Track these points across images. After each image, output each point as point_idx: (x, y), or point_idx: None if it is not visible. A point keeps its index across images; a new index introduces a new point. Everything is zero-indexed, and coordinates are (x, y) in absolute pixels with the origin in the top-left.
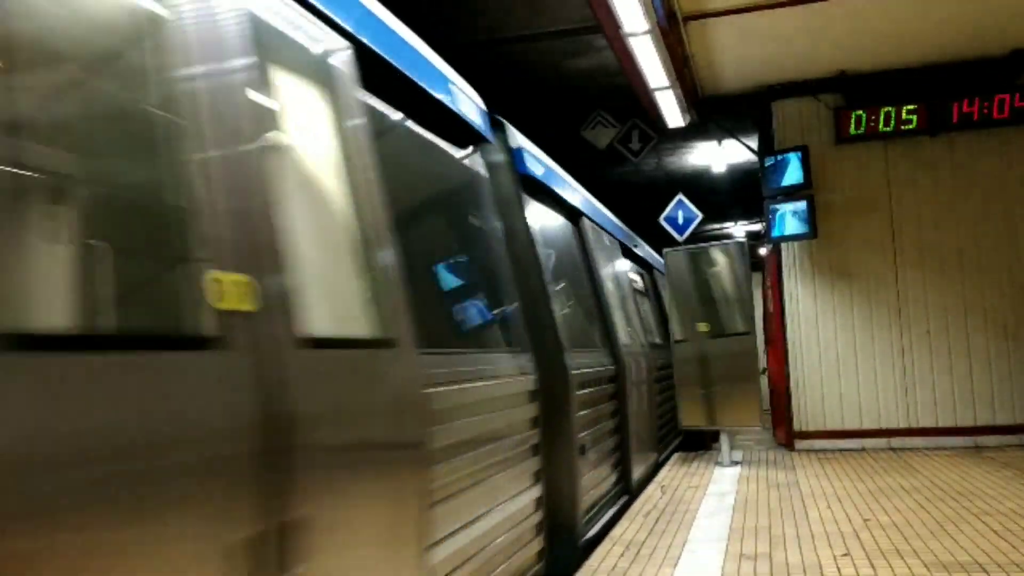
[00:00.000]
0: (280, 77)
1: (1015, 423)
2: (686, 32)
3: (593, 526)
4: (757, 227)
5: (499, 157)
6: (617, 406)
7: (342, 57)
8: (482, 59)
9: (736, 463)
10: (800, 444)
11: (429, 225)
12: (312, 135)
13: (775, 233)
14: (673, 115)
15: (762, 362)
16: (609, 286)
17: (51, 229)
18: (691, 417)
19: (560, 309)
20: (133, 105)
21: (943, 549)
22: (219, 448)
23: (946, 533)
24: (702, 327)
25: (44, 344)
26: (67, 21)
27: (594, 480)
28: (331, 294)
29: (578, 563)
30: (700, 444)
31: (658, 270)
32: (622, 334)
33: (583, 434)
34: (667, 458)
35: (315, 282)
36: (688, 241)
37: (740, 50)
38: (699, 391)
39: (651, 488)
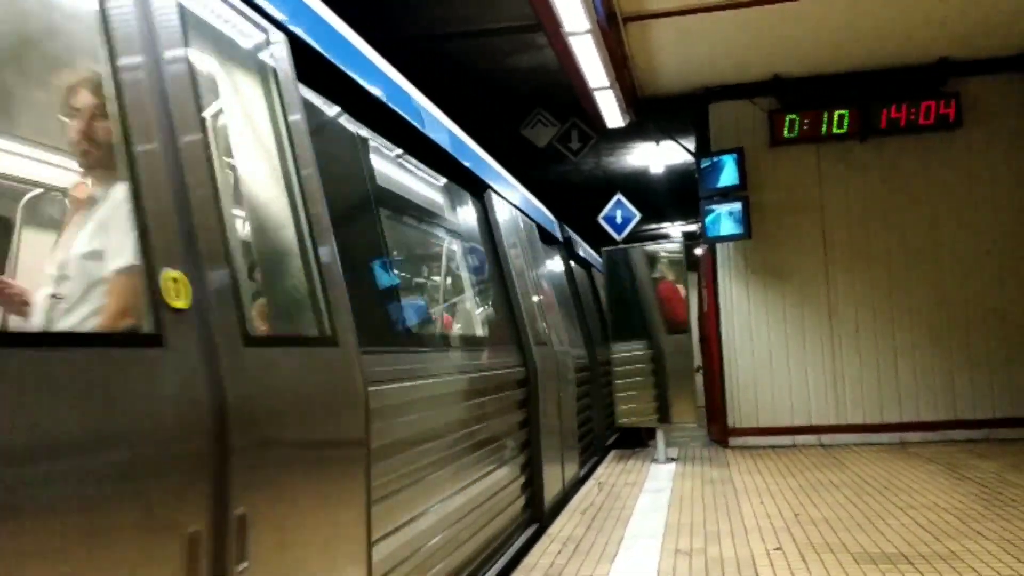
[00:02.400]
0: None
1: (939, 420)
2: (626, 33)
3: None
4: (694, 227)
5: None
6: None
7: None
8: (422, 54)
9: (672, 460)
10: (734, 441)
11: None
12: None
13: (710, 233)
14: (612, 115)
15: (697, 360)
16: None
17: None
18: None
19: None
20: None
21: (870, 542)
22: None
23: (873, 526)
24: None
25: None
26: None
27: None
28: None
29: None
30: (637, 441)
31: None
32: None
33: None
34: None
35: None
36: (627, 241)
37: (678, 52)
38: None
39: (588, 485)
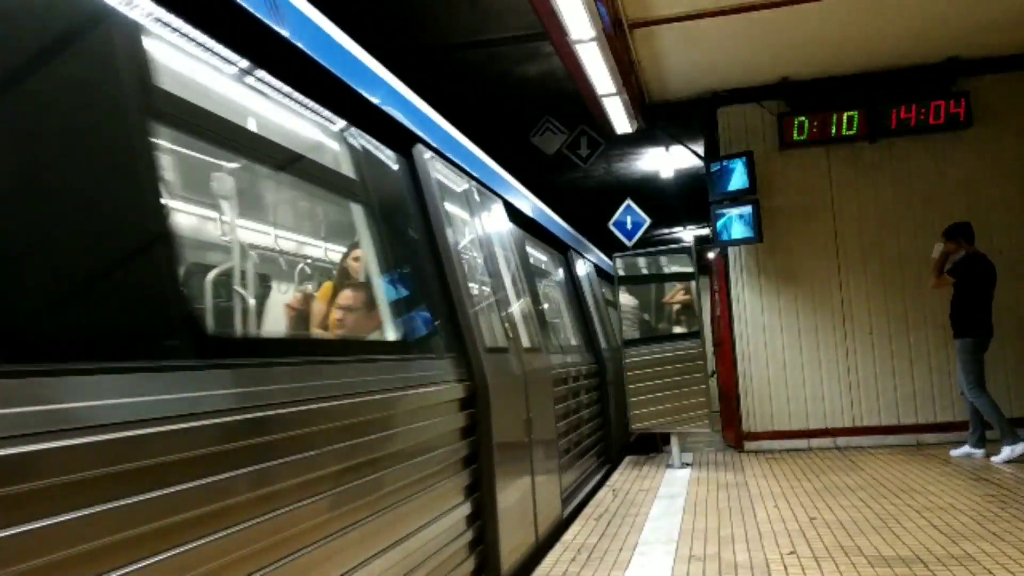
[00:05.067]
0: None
1: (955, 420)
2: (632, 39)
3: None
4: (706, 231)
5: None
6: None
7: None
8: (430, 65)
9: (686, 465)
10: (749, 445)
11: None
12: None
13: (722, 237)
14: (621, 121)
15: (711, 365)
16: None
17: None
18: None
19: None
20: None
21: (885, 544)
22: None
23: (888, 529)
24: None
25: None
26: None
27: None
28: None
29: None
30: (651, 447)
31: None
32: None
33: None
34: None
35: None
36: (638, 246)
37: (685, 57)
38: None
39: (603, 492)
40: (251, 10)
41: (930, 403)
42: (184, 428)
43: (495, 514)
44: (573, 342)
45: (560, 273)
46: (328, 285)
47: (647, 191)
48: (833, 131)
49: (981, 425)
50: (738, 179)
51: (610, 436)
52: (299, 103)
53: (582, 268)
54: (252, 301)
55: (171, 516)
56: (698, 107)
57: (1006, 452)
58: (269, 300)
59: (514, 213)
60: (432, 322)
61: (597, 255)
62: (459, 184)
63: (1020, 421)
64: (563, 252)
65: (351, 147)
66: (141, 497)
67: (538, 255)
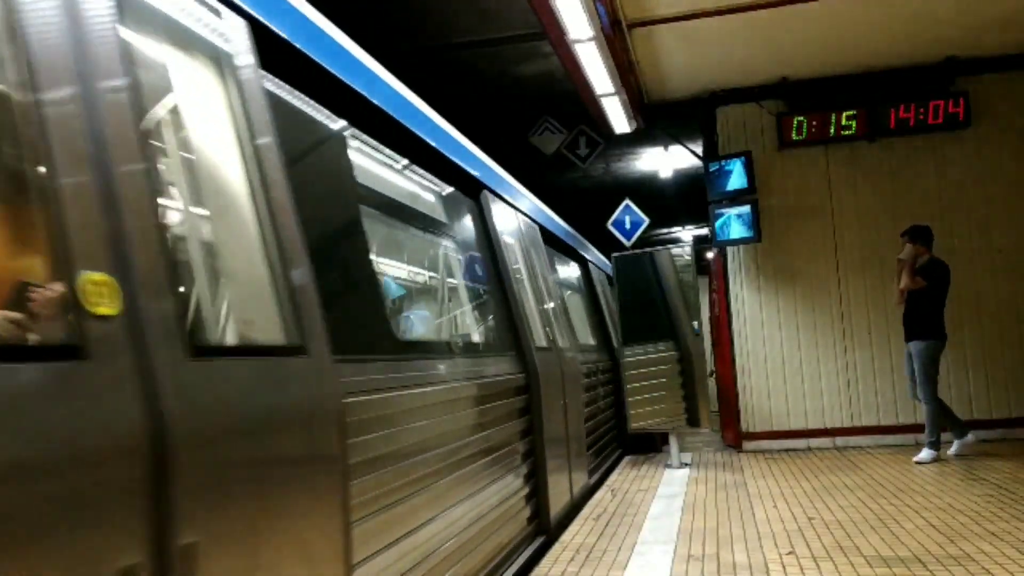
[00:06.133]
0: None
1: None
2: (631, 39)
3: None
4: (705, 231)
5: None
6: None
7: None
8: (428, 65)
9: (685, 465)
10: (748, 445)
11: None
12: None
13: (720, 237)
14: (619, 121)
15: (710, 364)
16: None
17: None
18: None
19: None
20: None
21: (884, 544)
22: None
23: (887, 529)
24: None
25: None
26: None
27: None
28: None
29: None
30: (650, 447)
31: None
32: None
33: None
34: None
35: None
36: (637, 246)
37: (684, 57)
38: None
39: (601, 492)
40: None
41: None
42: None
43: None
44: (474, 339)
45: (459, 228)
46: None
47: (646, 191)
48: (832, 131)
49: (956, 419)
50: (737, 179)
51: (542, 490)
52: None
53: (509, 226)
54: None
55: None
56: (697, 107)
57: (925, 454)
58: None
59: (335, 88)
60: None
61: (552, 219)
62: None
63: (1020, 421)
64: (471, 194)
65: None
66: None
67: (392, 181)
